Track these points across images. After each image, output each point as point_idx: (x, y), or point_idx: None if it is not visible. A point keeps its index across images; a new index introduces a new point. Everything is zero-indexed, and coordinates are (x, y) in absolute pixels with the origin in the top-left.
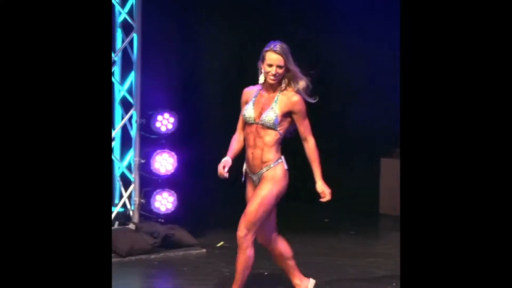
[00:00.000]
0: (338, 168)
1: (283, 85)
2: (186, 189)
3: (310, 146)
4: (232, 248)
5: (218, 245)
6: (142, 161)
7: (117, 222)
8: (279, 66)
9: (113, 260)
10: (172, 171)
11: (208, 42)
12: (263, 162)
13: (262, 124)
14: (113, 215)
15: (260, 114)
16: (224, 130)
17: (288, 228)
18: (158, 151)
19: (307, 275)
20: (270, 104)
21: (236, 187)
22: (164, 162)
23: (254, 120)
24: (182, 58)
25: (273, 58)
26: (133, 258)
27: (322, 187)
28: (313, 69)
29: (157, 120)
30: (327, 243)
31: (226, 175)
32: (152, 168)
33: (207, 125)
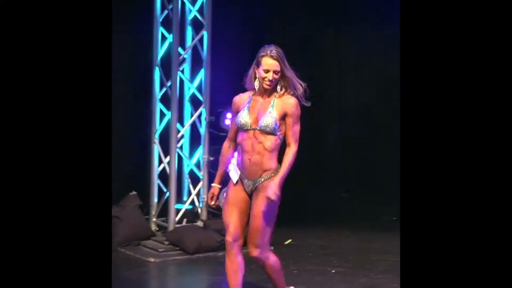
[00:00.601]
0: None
1: (279, 90)
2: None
3: (291, 152)
4: (300, 246)
5: (286, 242)
6: (211, 158)
7: (185, 220)
8: (275, 72)
9: (181, 257)
10: None
11: (277, 39)
12: (264, 170)
13: (261, 130)
14: (181, 213)
15: (257, 119)
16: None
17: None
18: None
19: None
20: (266, 109)
21: (305, 185)
22: (233, 160)
23: (251, 126)
24: (251, 55)
25: (269, 63)
26: (200, 255)
27: (274, 185)
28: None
29: (226, 118)
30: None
31: (215, 205)
32: None
33: None
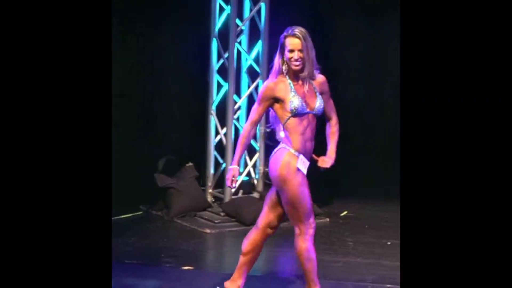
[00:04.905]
0: None
1: (306, 73)
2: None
3: (334, 123)
4: (356, 218)
5: (342, 214)
6: (268, 129)
7: (241, 191)
8: (300, 50)
9: (238, 228)
10: None
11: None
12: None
13: (316, 114)
14: (237, 184)
15: (308, 103)
16: (349, 98)
17: None
18: None
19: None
20: (313, 93)
21: (358, 158)
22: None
23: (308, 110)
24: (309, 27)
25: (293, 43)
26: None
27: (331, 155)
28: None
29: None
30: None
31: (234, 187)
32: (277, 137)
33: (333, 91)
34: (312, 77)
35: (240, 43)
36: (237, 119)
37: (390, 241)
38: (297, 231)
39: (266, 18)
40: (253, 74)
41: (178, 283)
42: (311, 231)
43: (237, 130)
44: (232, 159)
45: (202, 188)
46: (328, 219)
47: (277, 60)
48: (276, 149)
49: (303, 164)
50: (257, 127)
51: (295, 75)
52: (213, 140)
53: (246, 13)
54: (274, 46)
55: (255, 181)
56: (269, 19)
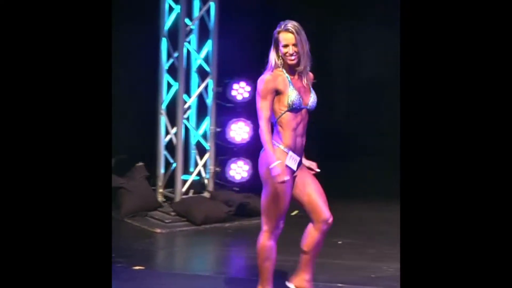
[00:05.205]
0: None
1: (302, 67)
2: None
3: None
4: (306, 217)
5: (293, 213)
6: (218, 129)
7: (192, 191)
8: (294, 45)
9: (188, 228)
10: (248, 139)
11: (286, 12)
12: (303, 150)
13: (310, 109)
14: (188, 183)
15: (303, 99)
16: None
17: None
18: (234, 119)
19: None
20: (308, 88)
21: (308, 156)
22: (240, 131)
23: (303, 105)
24: (259, 26)
25: (287, 38)
26: (208, 226)
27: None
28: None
29: (233, 89)
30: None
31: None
32: (227, 136)
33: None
34: (306, 70)
35: (189, 42)
36: (187, 119)
37: (341, 240)
38: (264, 227)
39: (216, 17)
40: (203, 74)
41: (129, 283)
42: (277, 232)
43: (187, 130)
44: (270, 156)
45: (153, 187)
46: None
47: (271, 55)
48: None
49: (292, 161)
50: (207, 127)
51: (291, 70)
52: (163, 140)
53: (196, 13)
54: (224, 45)
55: (206, 181)
56: (218, 18)
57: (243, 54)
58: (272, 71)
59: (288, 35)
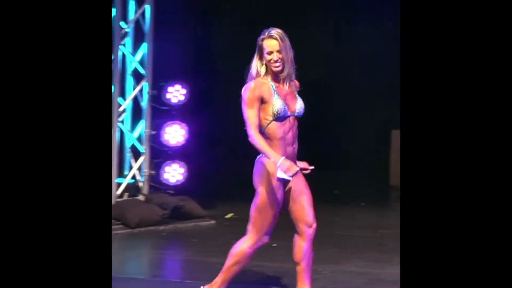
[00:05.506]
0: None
1: (286, 74)
2: (196, 160)
3: None
4: (242, 220)
5: (228, 216)
6: (153, 132)
7: (126, 194)
8: (278, 51)
9: (123, 231)
10: (183, 142)
11: (219, 16)
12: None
13: (297, 116)
14: (122, 187)
15: (290, 106)
16: (235, 102)
17: None
18: (169, 122)
19: (318, 245)
20: (294, 95)
21: (244, 159)
22: (175, 134)
23: (290, 113)
24: (194, 30)
25: (271, 44)
26: (142, 229)
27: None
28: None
29: (168, 92)
30: (338, 214)
31: (296, 173)
32: (162, 139)
33: (218, 96)
34: (291, 78)
35: (124, 45)
36: (122, 122)
37: (276, 243)
38: (248, 235)
39: (151, 20)
40: (138, 77)
41: None
42: (260, 244)
43: (122, 133)
44: (273, 156)
45: None
46: (214, 222)
47: (254, 63)
48: (259, 156)
49: (283, 173)
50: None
51: (275, 77)
52: None
53: (131, 15)
54: (159, 48)
55: (141, 184)
56: (154, 21)
57: (178, 57)
58: (254, 79)
59: (272, 42)
